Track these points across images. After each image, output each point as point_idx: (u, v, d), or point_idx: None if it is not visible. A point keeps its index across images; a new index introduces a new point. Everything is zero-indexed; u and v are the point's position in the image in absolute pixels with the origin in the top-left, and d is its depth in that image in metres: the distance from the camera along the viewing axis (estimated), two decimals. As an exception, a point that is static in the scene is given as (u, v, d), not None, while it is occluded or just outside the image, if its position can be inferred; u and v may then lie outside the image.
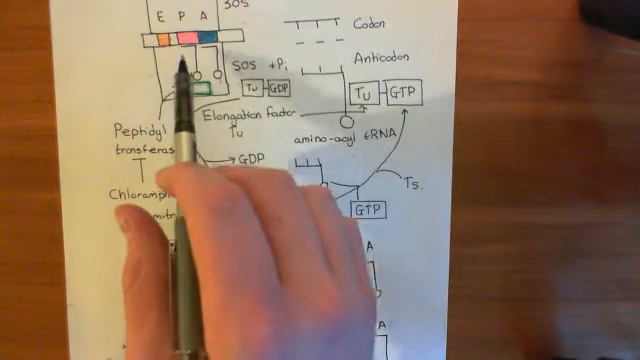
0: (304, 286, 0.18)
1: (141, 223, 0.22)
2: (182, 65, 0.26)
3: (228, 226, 0.18)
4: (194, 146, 0.24)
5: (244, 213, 0.18)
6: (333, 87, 0.39)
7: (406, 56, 0.38)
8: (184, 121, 0.24)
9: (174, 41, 0.38)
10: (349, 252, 0.21)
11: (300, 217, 0.20)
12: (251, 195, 0.19)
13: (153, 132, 0.39)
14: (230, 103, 0.39)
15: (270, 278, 0.18)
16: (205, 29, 0.38)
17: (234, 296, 0.16)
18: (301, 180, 0.39)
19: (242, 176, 0.20)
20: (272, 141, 0.39)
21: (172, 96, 0.39)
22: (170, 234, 0.22)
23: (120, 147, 0.39)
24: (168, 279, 0.21)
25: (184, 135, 0.24)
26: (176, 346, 0.20)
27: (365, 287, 0.21)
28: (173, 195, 0.21)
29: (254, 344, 0.16)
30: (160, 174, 0.22)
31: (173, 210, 0.40)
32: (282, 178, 0.21)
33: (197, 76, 0.39)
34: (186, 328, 0.19)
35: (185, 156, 0.23)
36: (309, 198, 0.21)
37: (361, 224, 0.39)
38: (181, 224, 0.20)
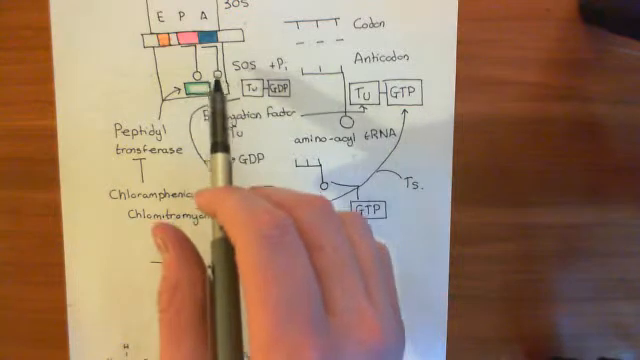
0: (347, 315, 0.18)
1: (178, 244, 0.22)
2: (217, 85, 0.26)
3: (278, 255, 0.18)
4: (230, 167, 0.24)
5: (293, 242, 0.19)
6: (333, 87, 0.39)
7: (406, 56, 0.38)
8: (220, 142, 0.24)
9: (174, 41, 0.38)
10: (384, 279, 0.21)
11: (341, 245, 0.20)
12: (294, 221, 0.20)
13: (153, 132, 0.39)
14: (230, 103, 0.39)
15: (318, 307, 0.18)
16: (205, 29, 0.38)
17: (284, 325, 0.17)
18: (301, 180, 0.39)
19: (283, 202, 0.21)
20: (272, 141, 0.39)
21: (173, 95, 0.39)
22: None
23: (120, 147, 0.39)
24: (206, 302, 0.21)
25: (220, 157, 0.24)
26: None
27: (396, 313, 0.21)
28: (212, 216, 0.21)
29: None
30: (201, 195, 0.22)
31: (173, 210, 0.40)
32: (323, 205, 0.21)
33: (197, 76, 0.39)
34: (225, 352, 0.19)
35: (221, 177, 0.23)
36: (346, 224, 0.21)
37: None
38: (220, 246, 0.21)
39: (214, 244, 0.21)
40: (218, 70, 0.39)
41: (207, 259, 0.22)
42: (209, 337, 0.20)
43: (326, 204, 0.21)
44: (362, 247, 0.21)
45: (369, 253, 0.21)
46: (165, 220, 0.20)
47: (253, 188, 0.23)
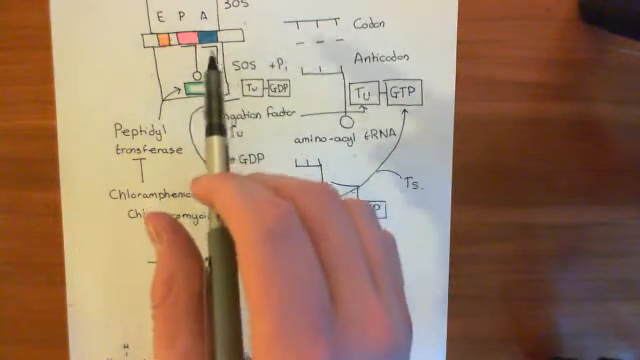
0: (354, 308, 0.18)
1: (173, 233, 0.21)
2: (212, 62, 0.24)
3: (282, 251, 0.17)
4: (227, 151, 0.22)
5: (297, 235, 0.18)
6: (333, 87, 0.39)
7: (406, 56, 0.38)
8: (215, 124, 0.22)
9: (174, 41, 0.38)
10: (390, 267, 0.20)
11: (346, 234, 0.19)
12: (297, 209, 0.18)
13: (153, 132, 0.39)
14: (230, 103, 0.39)
15: (323, 301, 0.17)
16: (205, 29, 0.38)
17: (290, 326, 0.16)
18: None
19: (286, 189, 0.19)
20: (272, 141, 0.39)
21: (173, 95, 0.39)
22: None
23: (120, 147, 0.39)
24: (202, 296, 0.20)
25: (215, 140, 0.22)
26: None
27: (403, 305, 0.20)
28: (209, 205, 0.20)
29: None
30: (197, 183, 0.21)
31: (173, 210, 0.40)
32: (328, 192, 0.20)
33: (197, 76, 0.39)
34: (224, 349, 0.18)
35: (217, 163, 0.22)
36: (352, 212, 0.20)
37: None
38: (218, 237, 0.19)
39: (211, 235, 0.20)
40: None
41: (204, 251, 0.21)
42: (206, 333, 0.19)
43: (331, 191, 0.20)
44: (368, 235, 0.20)
45: (375, 242, 0.20)
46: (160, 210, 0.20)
47: (252, 175, 0.21)
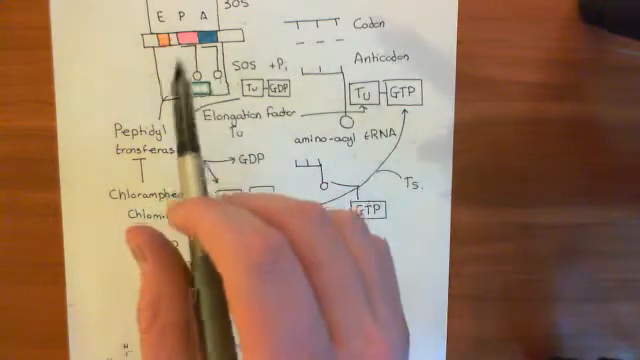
0: (354, 341, 0.17)
1: (157, 251, 0.19)
2: (178, 72, 0.21)
3: (274, 285, 0.16)
4: (203, 171, 0.20)
5: (289, 267, 0.16)
6: (333, 87, 0.39)
7: (406, 56, 0.38)
8: (186, 142, 0.20)
9: (174, 41, 0.38)
10: (384, 282, 0.19)
11: (340, 259, 0.18)
12: (287, 236, 0.17)
13: (153, 132, 0.39)
14: (230, 103, 0.39)
15: (321, 338, 0.16)
16: (205, 29, 0.38)
17: (284, 357, 0.15)
18: (301, 180, 0.39)
19: (273, 213, 0.18)
20: (272, 141, 0.39)
21: (173, 96, 0.39)
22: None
23: (120, 147, 0.39)
24: (191, 319, 0.18)
25: (189, 160, 0.19)
26: None
27: (399, 315, 0.20)
28: (190, 236, 0.18)
29: None
30: (175, 213, 0.19)
31: (173, 210, 0.40)
32: (317, 214, 0.18)
33: (197, 76, 0.39)
34: None
35: (194, 187, 0.19)
36: (341, 227, 0.19)
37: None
38: (204, 267, 0.18)
39: (196, 265, 0.18)
40: (218, 70, 0.39)
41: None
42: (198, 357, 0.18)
43: (320, 213, 0.19)
44: (361, 253, 0.19)
45: (368, 258, 0.19)
46: (144, 223, 0.18)
47: (235, 196, 0.20)
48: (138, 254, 0.19)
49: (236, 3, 0.38)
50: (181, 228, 0.18)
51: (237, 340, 0.17)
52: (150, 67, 0.39)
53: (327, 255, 0.18)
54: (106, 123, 0.39)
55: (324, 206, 0.19)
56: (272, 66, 0.39)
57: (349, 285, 0.18)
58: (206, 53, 0.38)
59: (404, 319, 0.20)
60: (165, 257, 0.19)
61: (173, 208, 0.19)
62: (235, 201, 0.19)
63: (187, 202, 0.19)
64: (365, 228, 0.20)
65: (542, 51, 0.39)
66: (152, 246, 0.19)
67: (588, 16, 0.37)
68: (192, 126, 0.20)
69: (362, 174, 0.40)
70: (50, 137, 0.39)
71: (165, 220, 0.42)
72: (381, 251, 0.21)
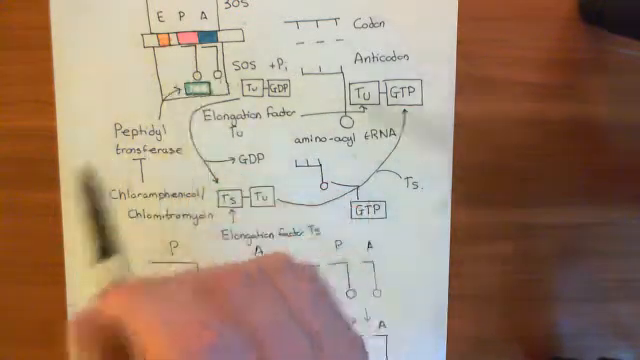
0: None
1: (102, 348, 0.17)
2: (86, 183, 0.19)
3: None
4: (125, 273, 0.18)
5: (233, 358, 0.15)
6: (333, 87, 0.39)
7: (406, 56, 0.38)
8: (100, 248, 0.19)
9: (174, 41, 0.38)
10: (327, 318, 0.19)
11: (282, 325, 0.17)
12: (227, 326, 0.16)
13: (153, 132, 0.39)
14: (230, 103, 0.39)
15: None
16: (205, 29, 0.38)
17: None
18: (301, 180, 0.39)
19: (211, 288, 0.17)
20: (272, 141, 0.39)
21: (173, 95, 0.39)
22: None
23: (120, 147, 0.39)
24: None
25: (109, 267, 0.18)
26: None
27: (344, 332, 0.19)
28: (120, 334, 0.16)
29: None
30: (104, 305, 0.17)
31: (173, 210, 0.40)
32: (247, 279, 0.18)
33: (197, 76, 0.39)
34: None
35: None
36: (273, 277, 0.18)
37: (361, 224, 0.40)
38: None
39: None
40: (218, 70, 0.39)
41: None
42: None
43: (253, 276, 0.18)
44: (298, 302, 0.18)
45: (306, 304, 0.18)
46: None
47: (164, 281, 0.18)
48: (79, 347, 0.17)
49: (236, 3, 0.38)
50: (107, 326, 0.16)
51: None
52: (150, 67, 0.39)
53: (269, 328, 0.17)
54: (106, 123, 0.39)
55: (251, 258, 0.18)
56: (272, 66, 0.39)
57: (294, 348, 0.17)
58: (206, 53, 0.38)
59: (353, 332, 0.19)
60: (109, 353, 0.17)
61: (99, 300, 0.17)
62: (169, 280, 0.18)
63: (116, 290, 0.17)
64: (295, 269, 0.20)
65: (542, 51, 0.39)
66: (96, 342, 0.17)
67: (588, 16, 0.37)
68: (107, 229, 0.19)
69: (362, 174, 0.40)
70: (50, 137, 0.39)
71: (165, 220, 0.42)
72: (314, 285, 0.20)
